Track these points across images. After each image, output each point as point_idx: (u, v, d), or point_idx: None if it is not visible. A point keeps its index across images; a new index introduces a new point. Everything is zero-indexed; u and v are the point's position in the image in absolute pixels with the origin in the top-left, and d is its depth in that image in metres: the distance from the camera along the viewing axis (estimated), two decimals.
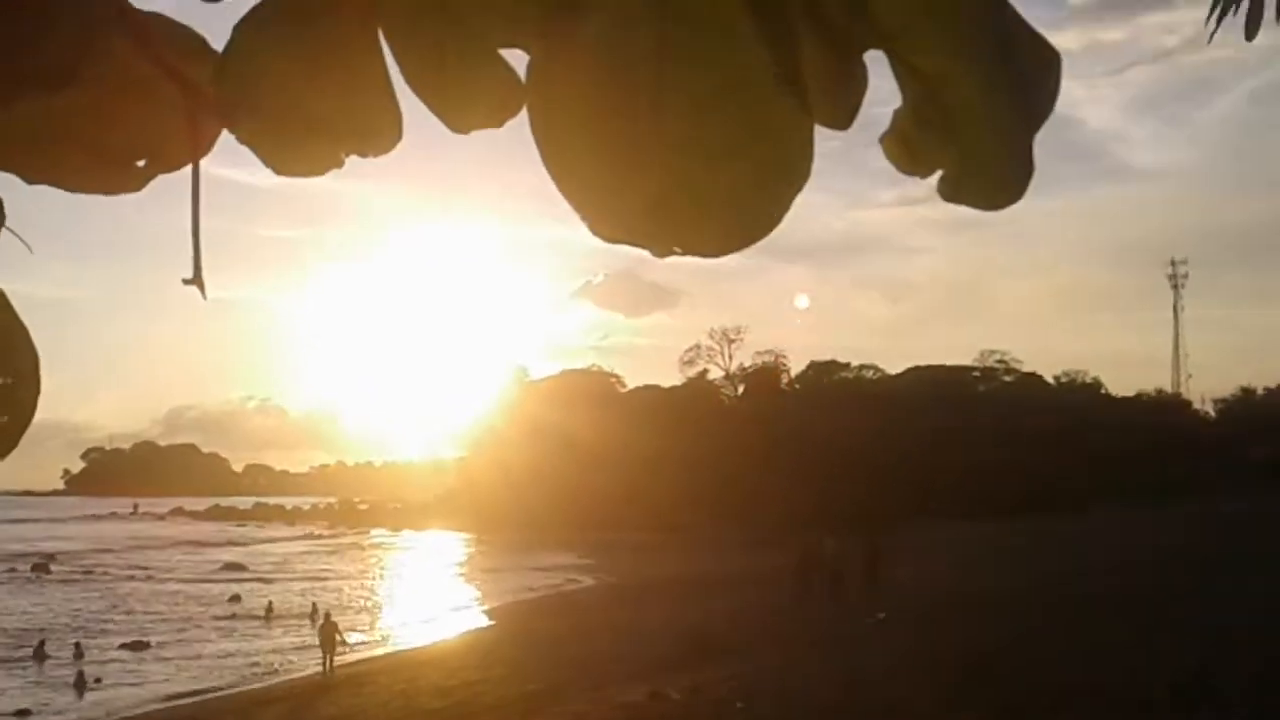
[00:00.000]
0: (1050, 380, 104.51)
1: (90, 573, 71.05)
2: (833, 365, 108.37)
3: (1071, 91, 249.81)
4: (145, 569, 74.35)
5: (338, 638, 31.52)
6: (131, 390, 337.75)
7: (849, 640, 23.66)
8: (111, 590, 60.23)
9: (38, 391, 1.23)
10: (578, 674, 23.67)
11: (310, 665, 32.60)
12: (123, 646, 38.19)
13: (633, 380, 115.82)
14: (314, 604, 46.41)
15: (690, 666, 21.97)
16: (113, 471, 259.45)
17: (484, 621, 43.69)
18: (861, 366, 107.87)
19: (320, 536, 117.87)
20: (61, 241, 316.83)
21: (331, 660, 30.88)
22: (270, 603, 49.29)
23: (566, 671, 24.50)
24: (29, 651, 36.57)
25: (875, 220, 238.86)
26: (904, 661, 18.51)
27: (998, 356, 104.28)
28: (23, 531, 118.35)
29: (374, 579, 67.28)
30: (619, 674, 22.54)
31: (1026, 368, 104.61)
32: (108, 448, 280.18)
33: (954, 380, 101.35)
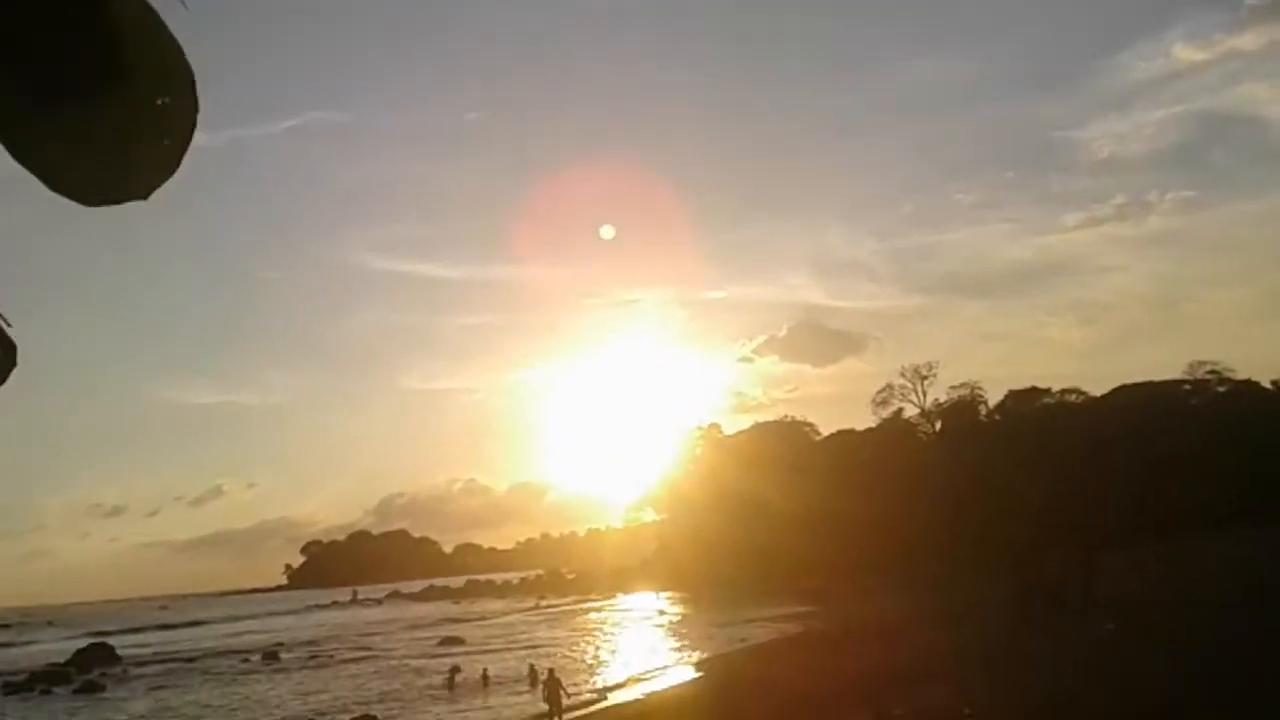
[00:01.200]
0: (1269, 386, 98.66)
1: (316, 657, 74.01)
2: (1033, 392, 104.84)
3: (1258, 93, 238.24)
4: (368, 650, 77.03)
5: (562, 692, 32.13)
6: (344, 484, 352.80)
7: (1075, 652, 22.91)
8: (338, 672, 62.58)
9: (196, 110, 1.22)
10: (798, 708, 23.52)
11: None
12: None
13: (826, 427, 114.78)
14: (531, 666, 47.40)
15: (915, 691, 21.60)
16: (331, 562, 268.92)
17: (697, 673, 43.74)
18: (1063, 391, 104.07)
19: (530, 608, 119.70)
20: (270, 352, 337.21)
21: (560, 715, 31.52)
22: (485, 670, 50.48)
23: (787, 708, 24.37)
24: None
25: (1061, 244, 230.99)
26: (1132, 666, 17.81)
27: (1209, 367, 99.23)
28: (251, 624, 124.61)
29: (587, 642, 68.05)
30: (839, 704, 22.32)
31: (1240, 376, 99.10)
32: (325, 540, 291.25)
33: (1164, 395, 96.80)
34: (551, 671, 34.63)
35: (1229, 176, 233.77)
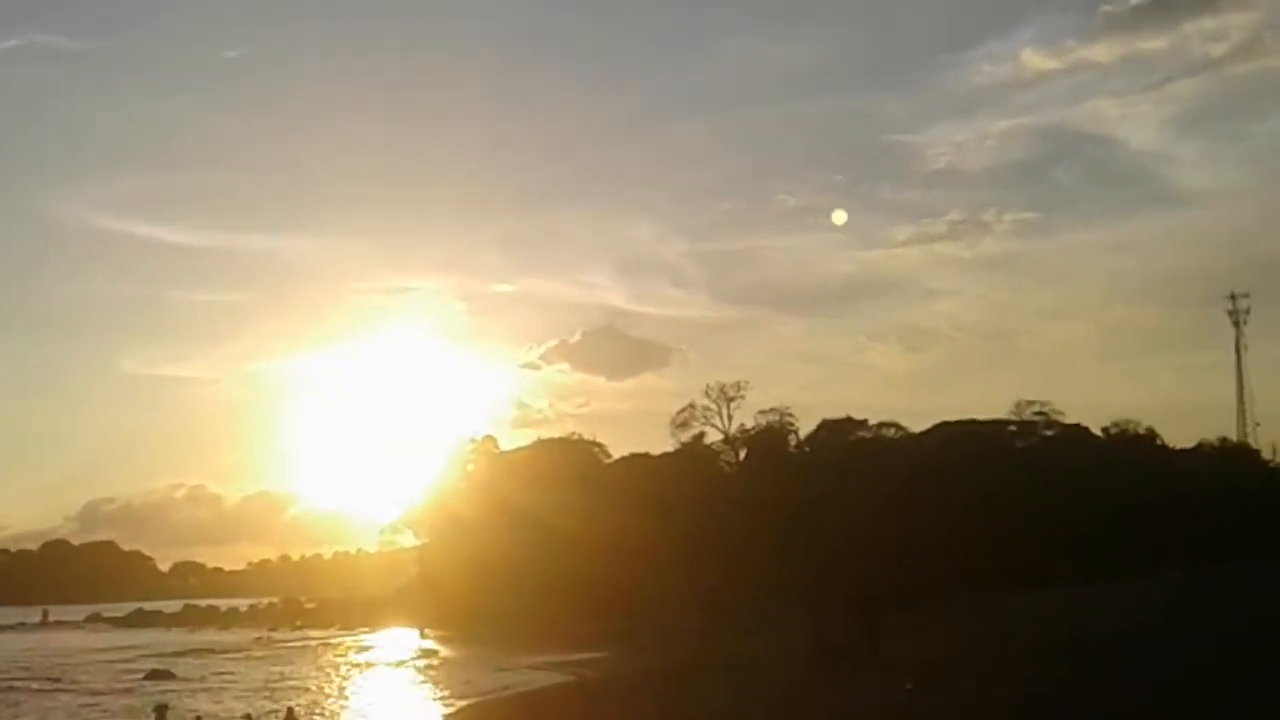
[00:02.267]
0: (1098, 433, 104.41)
1: None
2: (848, 424, 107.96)
3: (1108, 110, 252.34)
4: (56, 682, 73.65)
5: None
6: (40, 482, 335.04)
7: (869, 712, 23.55)
8: (18, 710, 59.45)
9: None
10: None
11: None
12: None
13: (618, 449, 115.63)
14: (248, 714, 45.91)
15: None
16: (20, 576, 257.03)
17: None
18: (881, 424, 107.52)
19: (259, 640, 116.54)
20: None
21: None
22: (198, 716, 48.54)
23: None
24: None
25: (890, 261, 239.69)
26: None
27: (1036, 408, 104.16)
28: None
29: (322, 684, 66.54)
30: None
31: (1070, 419, 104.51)
32: (13, 549, 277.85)
33: (987, 436, 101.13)
34: (290, 711, 33.83)
35: (1072, 199, 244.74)
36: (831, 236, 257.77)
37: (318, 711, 50.55)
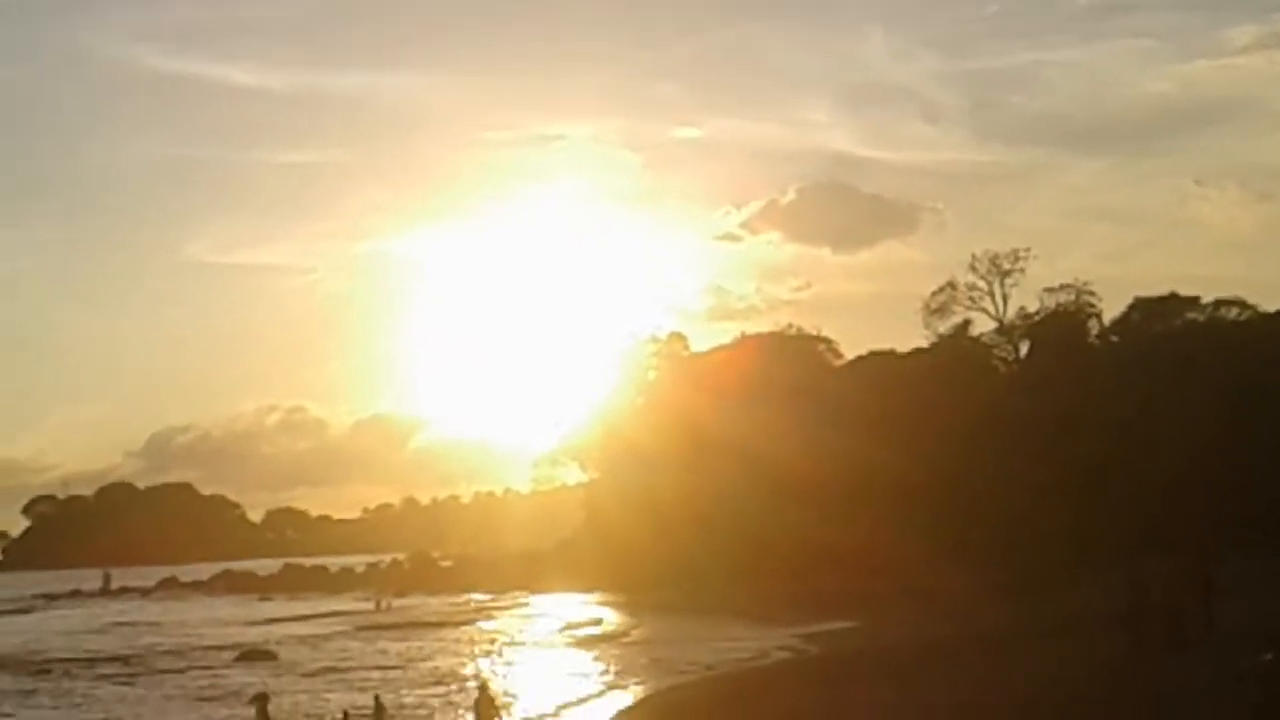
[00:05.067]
0: None
1: (48, 674, 74.52)
2: (1172, 302, 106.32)
3: None
4: (126, 666, 77.32)
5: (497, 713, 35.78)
6: (94, 410, 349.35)
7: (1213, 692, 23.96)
8: (76, 698, 63.09)
9: None
10: None
11: None
12: None
13: (852, 347, 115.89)
14: (376, 698, 48.41)
15: None
16: (71, 530, 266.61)
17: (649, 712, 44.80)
18: (1219, 302, 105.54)
19: (379, 610, 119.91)
20: None
21: None
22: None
23: None
24: None
25: (1223, 75, 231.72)
26: None
27: None
28: None
29: (462, 667, 68.95)
30: None
31: None
32: (62, 495, 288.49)
33: None
34: (485, 686, 37.33)
35: None
36: (1140, 43, 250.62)
37: (461, 704, 52.73)
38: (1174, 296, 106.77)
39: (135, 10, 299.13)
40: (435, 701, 52.97)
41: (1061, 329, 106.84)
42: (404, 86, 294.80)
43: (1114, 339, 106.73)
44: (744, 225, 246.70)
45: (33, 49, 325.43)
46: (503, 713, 37.36)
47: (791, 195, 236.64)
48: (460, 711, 45.66)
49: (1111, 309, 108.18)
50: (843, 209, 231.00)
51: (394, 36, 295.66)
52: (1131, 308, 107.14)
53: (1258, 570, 47.18)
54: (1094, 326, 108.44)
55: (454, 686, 59.89)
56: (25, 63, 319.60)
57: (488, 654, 74.79)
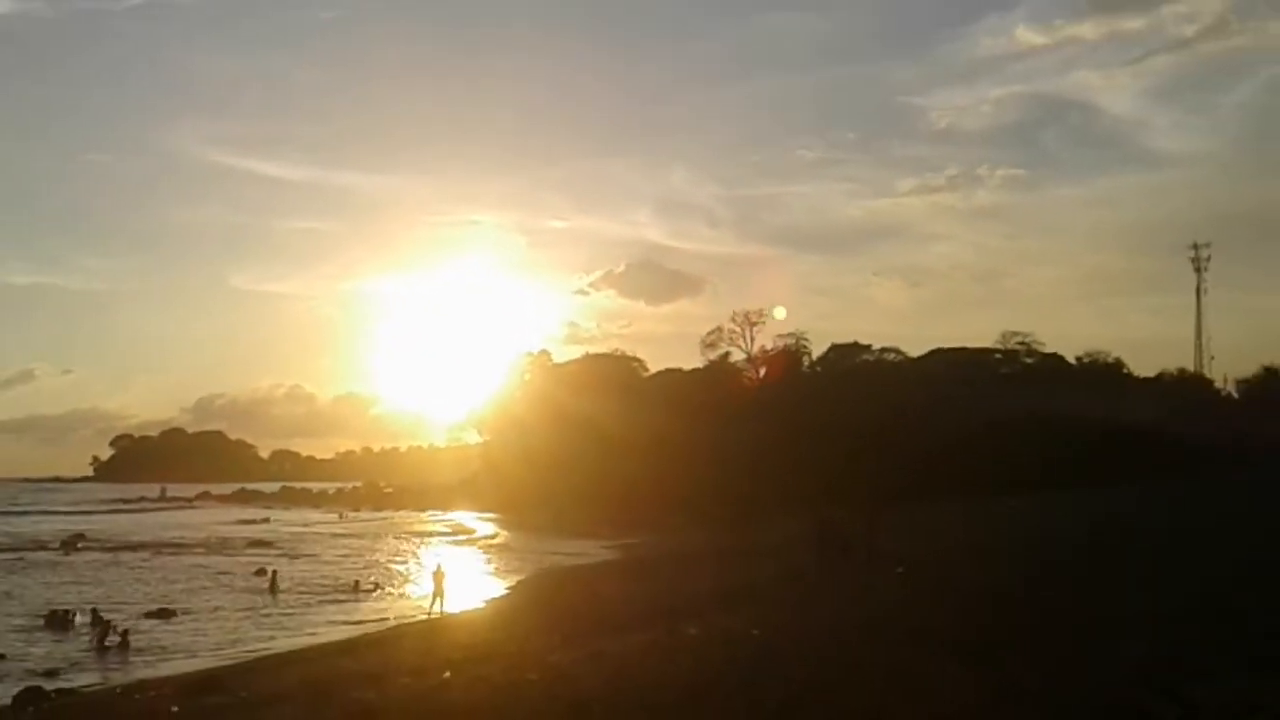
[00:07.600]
0: (1073, 361, 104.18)
1: (117, 550, 72.15)
2: (854, 348, 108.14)
3: (1091, 80, 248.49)
4: (173, 546, 75.51)
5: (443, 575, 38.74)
6: (162, 379, 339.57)
7: (863, 589, 24.24)
8: (140, 565, 61.29)
9: None
10: (598, 624, 24.22)
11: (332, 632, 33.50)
12: (147, 615, 38.44)
13: (655, 364, 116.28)
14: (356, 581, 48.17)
15: (710, 615, 22.50)
16: (142, 458, 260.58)
17: (509, 591, 44.38)
18: (883, 349, 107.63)
19: (344, 517, 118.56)
20: (93, 237, 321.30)
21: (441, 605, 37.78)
22: (274, 573, 50.35)
23: (587, 623, 25.08)
24: (52, 619, 36.83)
25: (895, 208, 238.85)
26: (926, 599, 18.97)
27: (1019, 339, 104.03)
28: (54, 514, 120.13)
29: (396, 555, 68.13)
30: (638, 623, 23.06)
31: (1049, 349, 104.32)
32: (137, 435, 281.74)
33: (976, 362, 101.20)
34: (439, 567, 39.97)
35: (1057, 158, 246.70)
36: (844, 186, 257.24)
37: (393, 580, 52.03)
38: (856, 344, 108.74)
39: (206, 124, 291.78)
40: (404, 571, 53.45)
41: (786, 360, 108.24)
42: (380, 182, 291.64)
43: (818, 369, 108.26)
44: (591, 285, 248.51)
45: (139, 145, 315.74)
46: (444, 580, 38.79)
47: (622, 267, 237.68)
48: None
49: (818, 349, 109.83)
50: (654, 278, 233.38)
51: (372, 149, 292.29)
52: (829, 349, 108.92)
53: (905, 517, 47.80)
54: (806, 360, 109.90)
55: (411, 564, 59.59)
56: (133, 155, 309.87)
57: (418, 549, 74.01)
